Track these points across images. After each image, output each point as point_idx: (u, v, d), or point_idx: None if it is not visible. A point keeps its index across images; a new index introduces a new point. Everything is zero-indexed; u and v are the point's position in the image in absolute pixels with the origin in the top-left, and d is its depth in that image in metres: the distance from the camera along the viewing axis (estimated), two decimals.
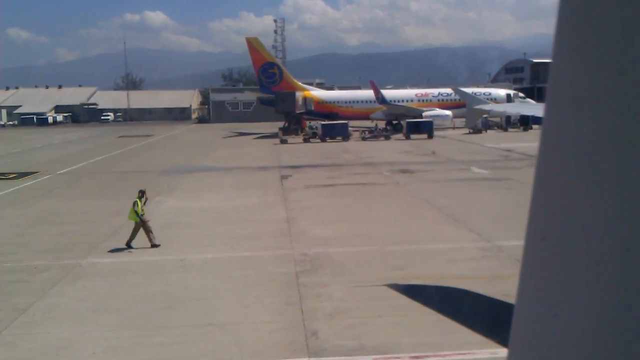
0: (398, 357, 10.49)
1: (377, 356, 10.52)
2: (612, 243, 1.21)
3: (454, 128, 70.27)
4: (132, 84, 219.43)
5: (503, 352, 9.56)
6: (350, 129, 60.48)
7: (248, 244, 18.48)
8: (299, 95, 68.17)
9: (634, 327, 1.19)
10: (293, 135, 63.21)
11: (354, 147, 51.69)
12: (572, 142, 1.25)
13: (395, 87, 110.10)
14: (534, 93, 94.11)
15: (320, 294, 13.72)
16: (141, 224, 18.17)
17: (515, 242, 17.81)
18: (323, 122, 60.69)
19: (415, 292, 14.47)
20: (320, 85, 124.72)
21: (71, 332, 11.81)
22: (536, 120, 66.99)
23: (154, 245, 18.10)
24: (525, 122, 65.20)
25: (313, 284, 14.40)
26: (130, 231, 18.37)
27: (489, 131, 65.00)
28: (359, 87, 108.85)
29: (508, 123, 67.03)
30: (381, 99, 66.06)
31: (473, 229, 19.74)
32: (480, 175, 32.89)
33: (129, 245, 18.15)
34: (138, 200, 18.26)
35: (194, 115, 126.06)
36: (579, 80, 1.24)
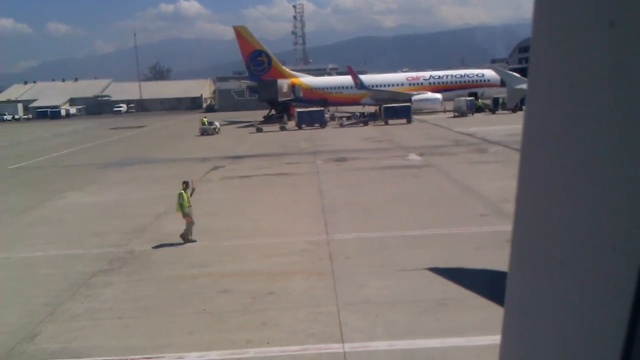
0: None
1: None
2: (577, 244, 1.30)
3: (444, 111, 68.87)
4: (159, 74, 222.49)
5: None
6: (327, 115, 59.96)
7: (91, 241, 18.51)
8: (282, 82, 67.80)
9: (599, 324, 1.28)
10: (278, 124, 62.62)
11: (322, 135, 51.23)
12: (548, 147, 1.31)
13: (430, 69, 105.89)
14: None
15: (92, 294, 13.66)
16: (187, 215, 17.51)
17: (353, 235, 17.51)
18: (298, 110, 60.24)
19: None
20: (334, 71, 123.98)
21: None
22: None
23: (189, 240, 17.61)
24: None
25: (98, 284, 14.35)
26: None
27: (476, 114, 63.31)
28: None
29: (496, 105, 65.29)
30: (360, 85, 65.17)
31: (330, 221, 19.34)
32: (410, 162, 32.21)
33: (189, 240, 17.57)
34: (183, 192, 17.52)
35: (205, 104, 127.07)
36: (556, 78, 1.28)
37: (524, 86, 32.66)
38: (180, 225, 19.54)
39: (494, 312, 10.49)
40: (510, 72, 50.99)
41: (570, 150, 1.27)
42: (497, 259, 13.78)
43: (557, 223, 1.33)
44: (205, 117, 62.96)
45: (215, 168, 33.75)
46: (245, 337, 10.88)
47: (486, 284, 12.99)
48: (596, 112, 1.21)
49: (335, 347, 10.22)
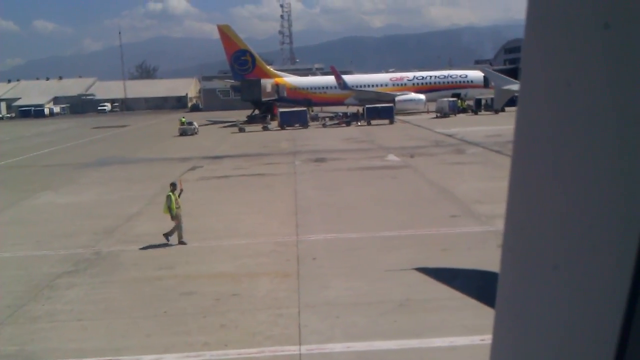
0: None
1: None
2: (571, 248, 1.29)
3: (428, 112, 69.07)
4: (146, 72, 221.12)
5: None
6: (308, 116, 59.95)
7: (60, 242, 18.37)
8: (265, 82, 67.67)
9: (593, 328, 1.28)
10: (261, 124, 62.30)
11: (304, 135, 51.19)
12: (541, 149, 1.30)
13: (418, 69, 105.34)
14: (517, 74, 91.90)
15: (54, 296, 13.57)
16: (176, 217, 17.28)
17: (323, 236, 17.51)
18: (281, 110, 60.16)
19: None
20: (320, 71, 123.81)
21: None
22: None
23: (167, 237, 17.36)
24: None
25: (62, 286, 14.24)
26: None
27: (459, 115, 63.49)
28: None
29: (478, 106, 65.64)
30: (343, 85, 65.22)
31: (301, 222, 19.34)
32: (388, 163, 32.29)
33: (181, 242, 17.29)
34: (171, 193, 17.39)
35: (191, 104, 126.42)
36: (549, 80, 1.27)
37: (512, 87, 32.69)
38: (152, 227, 19.54)
39: (455, 314, 10.59)
40: (498, 73, 51.37)
41: (563, 152, 1.27)
42: (463, 260, 13.94)
43: (550, 227, 1.33)
44: (183, 117, 61.56)
45: (194, 168, 33.63)
46: (203, 339, 10.85)
47: (451, 283, 13.01)
48: (590, 114, 1.21)
49: (292, 350, 10.23)
